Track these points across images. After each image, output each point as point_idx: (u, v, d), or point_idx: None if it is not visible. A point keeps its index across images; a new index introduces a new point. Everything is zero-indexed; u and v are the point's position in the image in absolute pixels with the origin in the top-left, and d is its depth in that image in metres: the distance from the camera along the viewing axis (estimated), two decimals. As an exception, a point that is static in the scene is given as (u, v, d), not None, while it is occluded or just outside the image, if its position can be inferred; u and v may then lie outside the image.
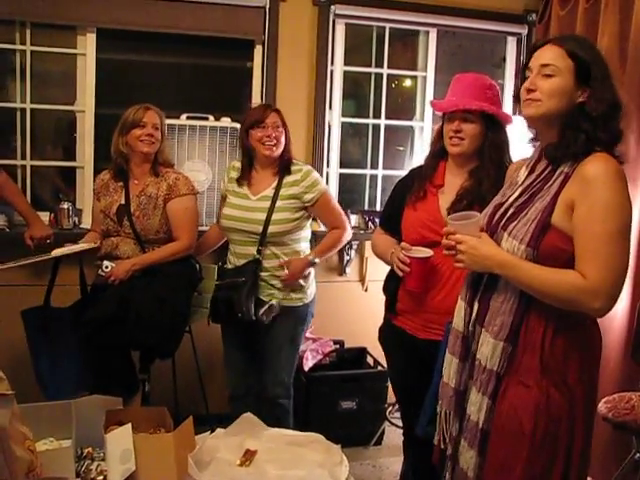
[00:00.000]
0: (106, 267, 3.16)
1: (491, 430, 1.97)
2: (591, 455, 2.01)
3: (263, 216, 3.10)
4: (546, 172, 1.94)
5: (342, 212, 3.34)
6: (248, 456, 2.01)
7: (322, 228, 3.95)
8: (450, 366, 2.10)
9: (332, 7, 3.99)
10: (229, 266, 3.23)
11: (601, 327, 3.40)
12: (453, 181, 2.59)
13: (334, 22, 4.06)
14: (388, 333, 2.80)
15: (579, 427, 1.89)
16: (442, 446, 2.15)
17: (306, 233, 3.27)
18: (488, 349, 1.95)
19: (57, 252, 3.16)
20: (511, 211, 1.97)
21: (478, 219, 2.00)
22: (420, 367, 2.46)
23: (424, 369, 2.36)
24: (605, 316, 3.42)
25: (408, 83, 4.56)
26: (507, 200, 2.01)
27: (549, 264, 1.85)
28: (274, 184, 3.15)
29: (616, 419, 2.90)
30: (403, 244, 2.54)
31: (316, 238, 3.41)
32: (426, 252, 2.47)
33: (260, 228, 3.09)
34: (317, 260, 3.24)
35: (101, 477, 1.93)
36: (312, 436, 2.15)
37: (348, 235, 3.35)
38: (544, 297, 1.86)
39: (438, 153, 2.66)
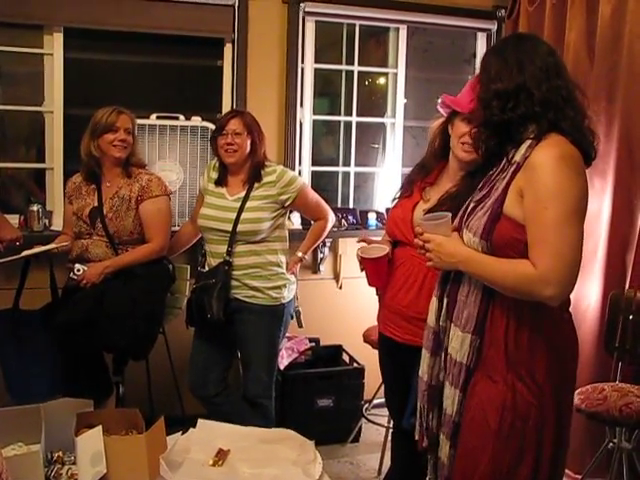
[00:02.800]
0: (78, 270, 3.12)
1: (462, 422, 1.98)
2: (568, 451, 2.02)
3: (234, 215, 3.10)
4: (503, 164, 1.94)
5: (321, 201, 3.34)
6: (221, 456, 2.01)
7: (294, 226, 3.98)
8: (424, 361, 2.12)
9: (302, 5, 3.98)
10: (206, 269, 3.22)
11: (574, 319, 3.47)
12: (446, 185, 2.48)
13: (304, 20, 4.05)
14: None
15: (549, 425, 1.89)
16: (417, 438, 2.17)
17: (282, 232, 3.26)
18: (457, 342, 1.96)
19: (27, 252, 3.12)
20: (471, 206, 1.98)
21: (447, 219, 2.01)
22: (395, 366, 2.47)
23: (399, 368, 2.36)
24: (578, 308, 3.50)
25: (381, 81, 4.56)
26: (473, 197, 2.03)
27: (507, 255, 1.84)
28: (248, 186, 3.16)
29: (589, 409, 2.93)
30: (362, 243, 2.57)
31: (289, 236, 3.40)
32: (380, 251, 2.50)
33: (230, 226, 3.09)
34: (307, 257, 3.37)
35: (71, 481, 1.91)
36: (285, 432, 2.15)
37: (331, 222, 3.39)
38: (500, 288, 1.86)
39: (438, 152, 2.56)
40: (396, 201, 2.65)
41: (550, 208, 1.76)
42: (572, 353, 1.98)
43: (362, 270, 2.56)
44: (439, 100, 2.50)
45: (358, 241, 2.59)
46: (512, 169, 1.87)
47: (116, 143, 3.16)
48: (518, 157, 1.87)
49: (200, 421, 2.13)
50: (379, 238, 2.75)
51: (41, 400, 2.13)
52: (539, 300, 1.80)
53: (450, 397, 2.00)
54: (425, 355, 2.11)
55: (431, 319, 2.09)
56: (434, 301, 2.09)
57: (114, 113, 3.18)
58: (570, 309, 2.01)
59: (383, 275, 2.53)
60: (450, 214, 2.04)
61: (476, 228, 1.89)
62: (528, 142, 1.86)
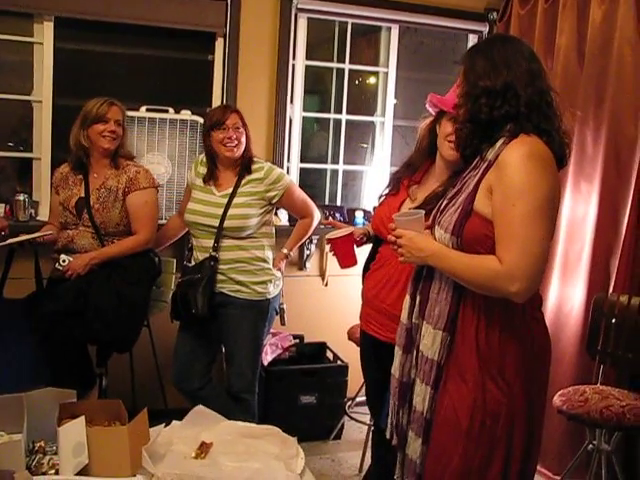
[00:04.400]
0: (63, 261, 3.11)
1: (433, 420, 2.00)
2: (540, 449, 2.04)
3: (221, 211, 3.10)
4: (476, 161, 1.96)
5: (307, 199, 3.36)
6: (203, 448, 2.01)
7: (282, 222, 3.98)
8: (396, 358, 2.14)
9: (294, 1, 3.97)
10: (192, 263, 3.21)
11: (556, 322, 3.50)
12: (432, 184, 2.49)
13: (296, 16, 4.05)
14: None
15: (520, 423, 1.91)
16: (388, 437, 2.19)
17: (269, 229, 3.27)
18: (429, 339, 1.98)
19: (11, 240, 3.10)
20: (444, 203, 2.00)
21: (420, 216, 2.04)
22: (372, 362, 2.48)
23: (380, 366, 2.37)
24: (561, 311, 3.52)
25: (372, 81, 4.57)
26: (446, 195, 2.05)
27: (476, 251, 1.86)
28: (236, 181, 3.16)
29: (570, 411, 2.95)
30: (330, 223, 2.80)
31: (276, 233, 3.40)
32: (346, 231, 2.63)
33: (217, 222, 3.09)
34: (292, 253, 3.40)
35: (53, 471, 1.91)
36: (268, 428, 2.15)
37: (317, 220, 3.42)
38: (468, 284, 1.88)
39: (425, 151, 2.57)
40: (382, 198, 2.67)
41: (517, 205, 1.78)
42: (544, 352, 2.00)
43: (333, 254, 2.65)
44: (427, 99, 2.50)
45: (325, 224, 2.69)
46: (484, 166, 1.90)
47: (106, 134, 3.15)
48: (491, 155, 1.89)
49: (196, 408, 2.14)
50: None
51: (24, 389, 2.12)
52: (505, 296, 1.82)
53: (421, 394, 2.02)
54: (397, 352, 2.14)
55: (404, 316, 2.12)
56: (407, 299, 2.12)
57: (105, 104, 3.17)
58: (543, 309, 2.04)
59: (351, 255, 2.62)
60: (423, 211, 2.07)
61: (447, 224, 1.92)
62: (502, 140, 1.87)
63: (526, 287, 1.79)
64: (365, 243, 2.74)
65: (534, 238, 1.78)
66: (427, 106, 2.53)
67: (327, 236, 2.67)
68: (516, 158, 1.81)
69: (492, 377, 1.89)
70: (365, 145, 4.56)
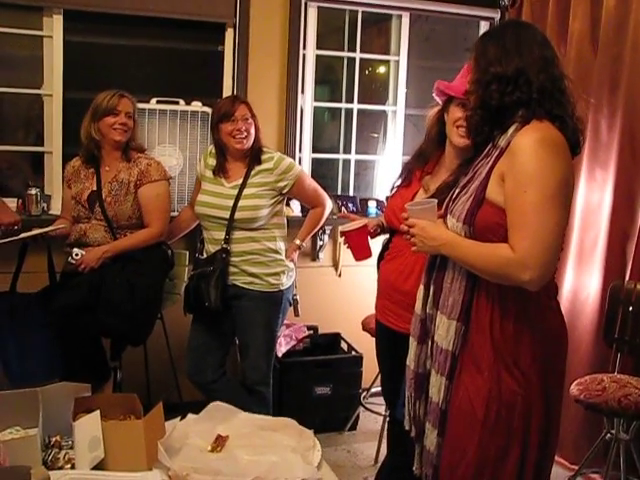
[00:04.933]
0: (76, 254, 3.11)
1: (448, 410, 1.99)
2: (558, 439, 2.02)
3: (231, 202, 3.09)
4: (488, 148, 1.94)
5: (319, 188, 3.34)
6: (219, 442, 2.00)
7: (294, 213, 3.97)
8: (411, 349, 2.13)
9: (304, -10, 3.95)
10: (204, 256, 3.21)
11: (572, 310, 3.47)
12: (444, 174, 2.46)
13: (306, 5, 4.02)
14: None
15: (537, 413, 1.89)
16: (407, 428, 2.18)
17: (281, 219, 3.25)
18: (443, 329, 1.97)
19: (24, 234, 3.10)
20: (457, 192, 1.98)
21: (433, 205, 2.02)
22: (389, 352, 2.46)
23: (392, 355, 2.35)
24: (577, 299, 3.50)
25: (382, 70, 4.54)
26: (459, 183, 2.03)
27: (488, 239, 1.84)
28: (245, 173, 3.15)
29: (587, 400, 2.93)
30: (344, 215, 2.69)
31: (289, 224, 3.39)
32: (360, 223, 2.58)
33: (228, 214, 3.08)
34: (304, 244, 3.35)
35: (69, 465, 1.90)
36: (284, 421, 2.14)
37: (329, 209, 3.39)
38: (481, 272, 1.87)
39: (435, 139, 2.53)
40: (395, 190, 2.65)
41: (529, 192, 1.76)
42: (560, 341, 1.98)
43: (347, 247, 2.62)
44: (434, 87, 2.47)
45: (339, 217, 2.66)
46: (496, 153, 1.87)
47: (116, 126, 3.14)
48: (503, 142, 1.86)
49: (213, 404, 2.14)
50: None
51: (39, 383, 2.12)
52: (518, 284, 1.80)
53: (436, 385, 2.01)
54: (412, 343, 2.12)
55: (418, 307, 2.10)
56: (421, 289, 2.10)
57: (116, 96, 3.16)
58: (559, 297, 2.01)
59: (366, 247, 2.58)
60: (436, 200, 2.05)
61: (459, 213, 1.90)
62: (514, 126, 1.85)
63: (539, 275, 1.77)
64: (379, 234, 2.72)
65: (547, 226, 1.75)
66: (434, 94, 2.50)
67: (341, 229, 2.64)
68: (528, 144, 1.79)
69: (507, 367, 1.87)
70: (376, 134, 4.53)
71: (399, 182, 2.64)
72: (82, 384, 2.17)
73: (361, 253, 2.60)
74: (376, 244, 2.71)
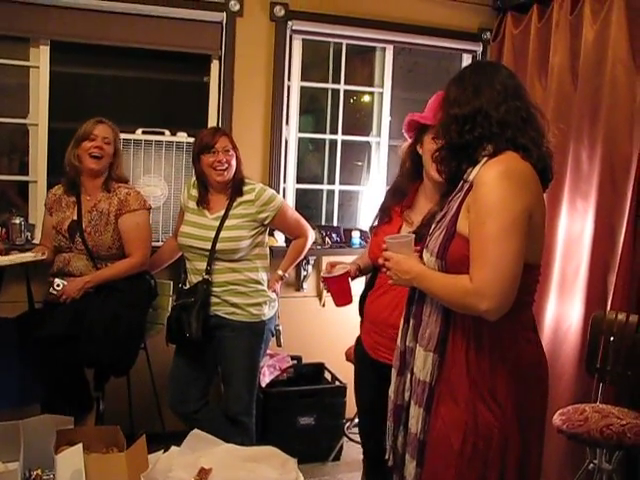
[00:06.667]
0: (58, 285, 3.10)
1: (426, 441, 2.00)
2: (540, 471, 2.02)
3: (213, 233, 3.10)
4: (460, 184, 1.98)
5: (301, 219, 3.35)
6: (203, 475, 1.99)
7: (278, 243, 3.98)
8: (393, 380, 2.16)
9: (289, 23, 4.00)
10: (187, 286, 3.21)
11: (554, 340, 3.49)
12: (426, 206, 2.45)
13: (291, 38, 4.07)
14: (357, 346, 2.74)
15: (513, 444, 1.89)
16: (386, 457, 2.19)
17: (263, 250, 3.25)
18: (420, 361, 2.00)
19: (1, 260, 3.08)
20: (433, 227, 2.02)
21: (410, 240, 2.08)
22: (376, 388, 2.44)
23: (379, 391, 2.34)
24: (559, 329, 3.52)
25: (366, 99, 4.59)
26: (435, 219, 2.07)
27: (460, 272, 1.86)
28: (227, 204, 3.16)
29: (570, 430, 2.93)
30: (327, 263, 2.63)
31: (272, 254, 3.40)
32: (342, 269, 2.56)
33: (209, 245, 3.09)
34: (287, 275, 3.37)
35: (50, 499, 1.89)
36: (267, 450, 2.14)
37: (311, 240, 3.41)
38: (446, 303, 1.91)
39: (409, 173, 2.54)
40: (375, 229, 2.63)
41: (487, 223, 1.79)
42: (537, 373, 1.99)
43: (327, 291, 2.61)
44: (405, 122, 2.49)
45: (324, 271, 2.64)
46: (466, 188, 1.92)
47: (92, 150, 3.14)
48: (472, 176, 1.90)
49: (192, 432, 2.12)
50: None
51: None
52: (477, 314, 1.82)
53: (415, 416, 2.03)
54: (394, 374, 2.15)
55: (398, 339, 2.13)
56: (401, 322, 2.13)
57: (93, 121, 3.19)
58: (541, 326, 2.03)
59: (347, 293, 2.57)
60: (413, 235, 2.11)
61: (432, 247, 1.94)
62: (483, 160, 1.89)
63: (496, 305, 1.78)
64: (359, 276, 2.71)
65: (503, 256, 1.77)
66: (404, 130, 2.52)
67: (322, 274, 2.65)
68: (489, 177, 1.83)
69: (483, 399, 1.89)
70: (360, 163, 4.56)
71: (377, 222, 2.63)
72: (64, 417, 2.16)
73: (342, 299, 2.59)
74: (357, 282, 2.70)
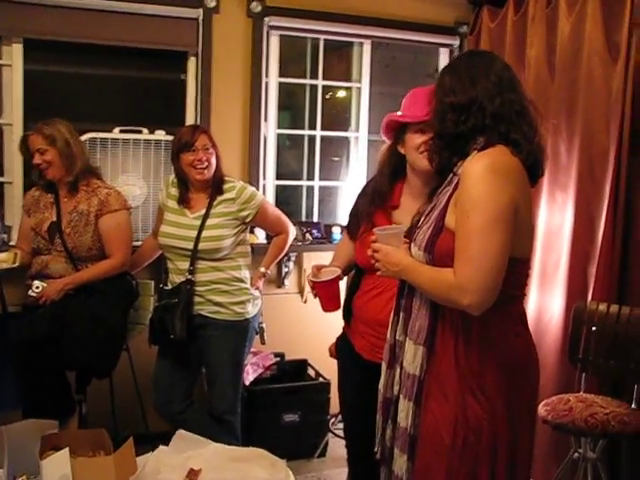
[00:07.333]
0: (37, 287, 3.06)
1: (418, 436, 1.99)
2: (531, 462, 2.04)
3: (195, 233, 3.07)
4: (450, 176, 1.96)
5: (282, 216, 3.35)
6: (192, 476, 1.97)
7: (259, 241, 3.96)
8: (382, 374, 2.14)
9: (266, 19, 3.97)
10: (168, 286, 3.18)
11: (536, 331, 3.51)
12: (413, 204, 2.34)
13: (268, 34, 4.05)
14: (341, 345, 2.69)
15: (502, 439, 1.90)
16: (375, 450, 2.18)
17: (244, 248, 3.24)
18: (410, 354, 1.99)
19: None
20: (421, 220, 2.01)
21: (399, 231, 2.06)
22: (364, 387, 2.43)
23: (368, 390, 2.32)
24: (541, 320, 3.54)
25: (344, 94, 4.58)
26: (424, 212, 2.05)
27: (448, 266, 1.84)
28: (208, 203, 3.13)
29: (555, 421, 2.95)
30: (313, 267, 2.52)
31: (254, 251, 3.38)
32: (332, 273, 2.46)
33: (191, 245, 3.07)
34: (269, 271, 3.36)
35: (37, 505, 1.86)
36: (256, 451, 2.13)
37: (292, 236, 3.40)
38: (430, 296, 1.91)
39: (390, 175, 2.47)
40: (360, 237, 2.49)
41: (471, 217, 1.78)
42: (527, 367, 1.99)
43: (315, 296, 2.50)
44: (383, 124, 2.44)
45: (310, 274, 2.51)
46: (455, 181, 1.90)
47: (36, 160, 3.11)
48: (461, 169, 1.89)
49: (177, 433, 2.10)
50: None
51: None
52: (459, 307, 1.82)
53: (404, 410, 2.02)
54: (383, 368, 2.14)
55: (389, 332, 2.12)
56: (392, 315, 2.11)
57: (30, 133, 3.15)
58: (529, 321, 2.03)
59: (336, 298, 2.48)
60: (404, 227, 2.08)
61: (420, 241, 1.93)
62: (473, 153, 1.88)
63: (478, 300, 1.78)
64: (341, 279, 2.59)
65: (486, 251, 1.76)
66: (382, 132, 2.47)
67: (311, 278, 2.49)
68: (475, 170, 1.81)
69: (472, 392, 1.88)
70: (336, 158, 4.55)
71: (362, 229, 2.49)
72: (48, 421, 2.13)
73: (332, 304, 2.49)
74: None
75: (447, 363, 1.91)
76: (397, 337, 2.07)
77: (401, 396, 2.04)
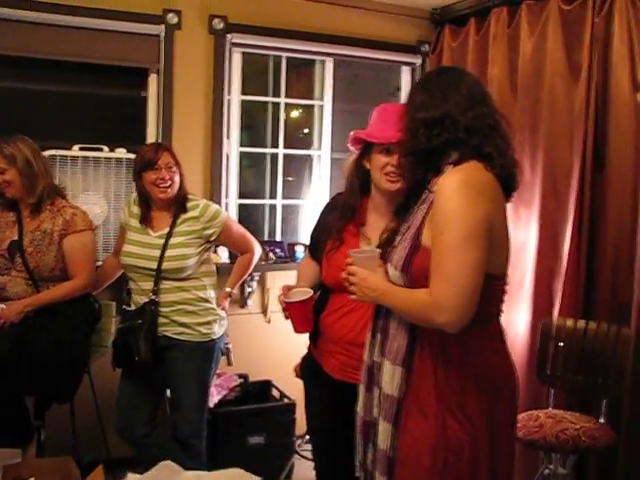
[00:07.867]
0: (-5, 309, 2.95)
1: (396, 458, 1.95)
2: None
3: (158, 252, 3.01)
4: (425, 194, 1.94)
5: (247, 234, 3.30)
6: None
7: (222, 260, 3.90)
8: (360, 397, 2.10)
9: (228, 36, 3.94)
10: (131, 307, 3.11)
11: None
12: (378, 221, 2.35)
13: (230, 51, 4.02)
14: (307, 365, 2.64)
15: (484, 459, 1.87)
16: (357, 475, 2.13)
17: (209, 267, 3.19)
18: (388, 375, 1.95)
19: None
20: (397, 239, 1.98)
21: (375, 255, 2.02)
22: (334, 409, 2.39)
23: (338, 411, 2.28)
24: (506, 337, 3.54)
25: (306, 113, 4.57)
26: (400, 231, 2.02)
27: (424, 285, 1.82)
28: (171, 222, 3.07)
29: (526, 437, 2.96)
30: (283, 287, 2.47)
31: (218, 271, 3.32)
32: (304, 293, 2.40)
33: (155, 264, 3.00)
34: (234, 291, 3.32)
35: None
36: (232, 472, 2.07)
37: (257, 255, 3.35)
38: (408, 317, 1.88)
39: (358, 189, 2.40)
40: (329, 254, 2.44)
41: (445, 233, 1.76)
42: (506, 383, 1.98)
43: (287, 317, 2.44)
44: (350, 138, 2.41)
45: (281, 295, 2.45)
46: (431, 198, 1.88)
47: None
48: (436, 187, 1.87)
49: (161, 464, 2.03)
50: None
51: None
52: (436, 326, 1.79)
53: (384, 432, 1.98)
54: (361, 390, 2.10)
55: (366, 354, 2.08)
56: (368, 336, 2.08)
57: None
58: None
59: (309, 319, 2.43)
60: (379, 250, 2.04)
61: (396, 261, 1.90)
62: (448, 169, 1.86)
63: (455, 317, 1.75)
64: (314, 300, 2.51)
65: (462, 267, 1.74)
66: (349, 145, 2.44)
67: (284, 299, 2.43)
68: (449, 186, 1.80)
69: (452, 413, 1.86)
70: (290, 179, 4.52)
71: (330, 245, 2.43)
72: (11, 450, 2.04)
73: (304, 326, 2.44)
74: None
75: (426, 383, 1.88)
76: (374, 358, 2.04)
77: (380, 418, 1.99)
